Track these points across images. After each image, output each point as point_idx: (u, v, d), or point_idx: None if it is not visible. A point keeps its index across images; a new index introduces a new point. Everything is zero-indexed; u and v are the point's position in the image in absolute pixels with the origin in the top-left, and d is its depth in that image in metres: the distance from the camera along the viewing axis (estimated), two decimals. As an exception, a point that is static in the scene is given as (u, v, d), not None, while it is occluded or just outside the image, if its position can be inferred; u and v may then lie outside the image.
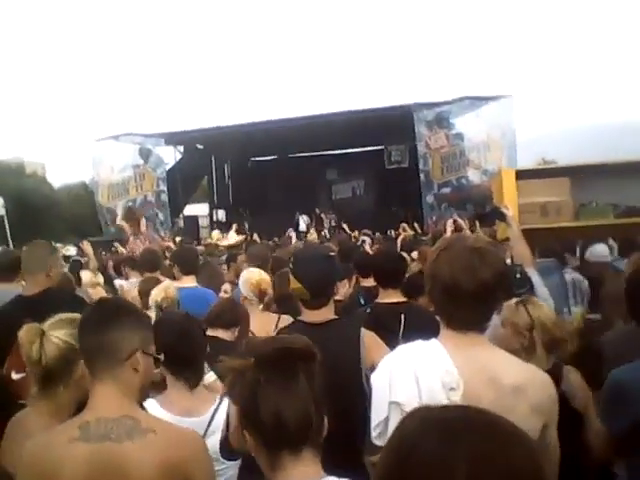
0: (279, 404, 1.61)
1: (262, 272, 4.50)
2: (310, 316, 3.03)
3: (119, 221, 12.86)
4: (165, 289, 4.28)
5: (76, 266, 7.52)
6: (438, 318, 2.15)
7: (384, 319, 3.70)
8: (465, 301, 2.02)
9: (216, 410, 2.65)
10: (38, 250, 4.14)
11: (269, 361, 1.65)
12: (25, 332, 2.35)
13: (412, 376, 1.93)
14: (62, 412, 2.30)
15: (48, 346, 2.32)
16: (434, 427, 1.08)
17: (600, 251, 5.56)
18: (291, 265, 3.14)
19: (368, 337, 3.03)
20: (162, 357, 2.15)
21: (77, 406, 2.23)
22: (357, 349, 2.93)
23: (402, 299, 3.99)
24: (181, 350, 2.66)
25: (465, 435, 1.05)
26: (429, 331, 3.72)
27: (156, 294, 4.16)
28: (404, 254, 5.47)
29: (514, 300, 3.24)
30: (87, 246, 7.78)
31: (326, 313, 3.05)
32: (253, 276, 4.41)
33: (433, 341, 2.06)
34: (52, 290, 3.95)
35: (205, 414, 2.64)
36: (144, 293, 4.67)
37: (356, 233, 13.25)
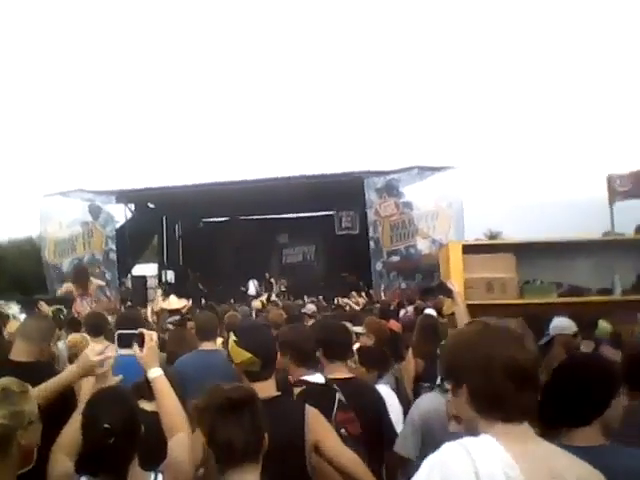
0: (230, 435, 2.27)
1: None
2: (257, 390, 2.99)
3: (66, 285, 12.58)
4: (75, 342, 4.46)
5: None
6: (474, 412, 1.92)
7: (318, 398, 3.49)
8: (525, 384, 1.87)
9: None
10: (44, 324, 4.18)
11: (224, 403, 2.31)
12: None
13: (471, 473, 1.76)
14: None
15: None
16: None
17: (566, 325, 5.63)
18: (236, 338, 3.10)
19: (312, 415, 3.01)
20: None
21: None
22: (301, 428, 2.91)
23: (346, 375, 3.90)
24: (109, 458, 2.40)
25: None
26: (367, 410, 3.73)
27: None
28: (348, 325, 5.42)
29: None
30: (45, 307, 7.62)
31: (270, 388, 3.04)
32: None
33: (485, 436, 1.86)
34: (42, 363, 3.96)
35: None
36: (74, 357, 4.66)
37: (305, 299, 13.18)
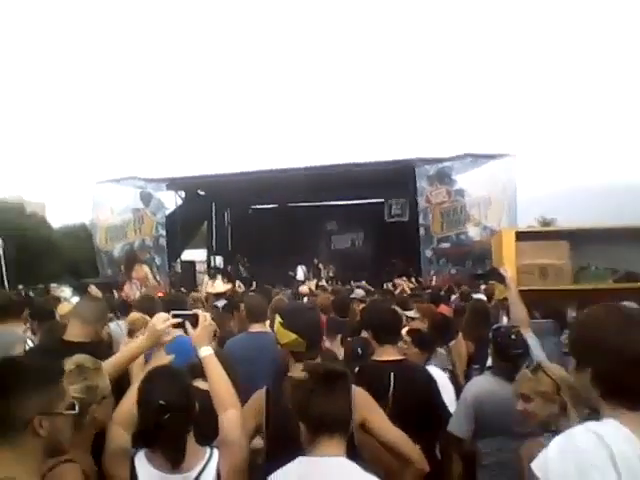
0: (324, 407, 2.38)
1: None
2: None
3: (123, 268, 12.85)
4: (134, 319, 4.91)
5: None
6: (598, 394, 1.89)
7: (373, 378, 3.57)
8: None
9: (205, 466, 2.54)
10: (97, 305, 4.23)
11: (318, 378, 2.44)
12: None
13: (607, 459, 1.73)
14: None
15: None
16: None
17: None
18: (281, 319, 3.13)
19: (359, 394, 2.99)
20: (76, 410, 2.10)
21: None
22: (349, 407, 2.88)
23: (397, 356, 3.87)
24: (165, 433, 2.45)
25: None
26: (421, 391, 3.70)
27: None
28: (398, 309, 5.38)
29: (525, 370, 3.23)
30: (95, 290, 7.76)
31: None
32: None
33: (612, 421, 1.83)
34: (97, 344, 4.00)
35: (193, 470, 2.51)
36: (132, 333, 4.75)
37: (352, 285, 13.21)
